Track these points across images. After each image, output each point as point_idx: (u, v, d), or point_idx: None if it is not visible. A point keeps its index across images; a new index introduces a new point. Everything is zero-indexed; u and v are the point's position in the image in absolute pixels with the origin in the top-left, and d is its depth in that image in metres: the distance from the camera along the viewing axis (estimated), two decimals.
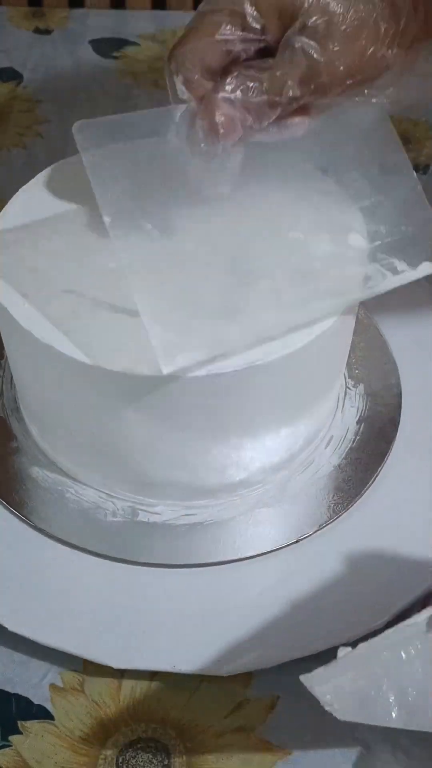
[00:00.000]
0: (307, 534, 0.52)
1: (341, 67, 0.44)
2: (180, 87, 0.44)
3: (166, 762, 0.45)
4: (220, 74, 0.44)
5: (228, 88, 0.43)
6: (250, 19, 0.43)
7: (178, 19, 0.97)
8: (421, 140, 0.82)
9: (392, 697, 0.40)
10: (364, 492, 0.54)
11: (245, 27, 0.43)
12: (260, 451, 0.51)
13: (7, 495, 0.53)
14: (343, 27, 0.43)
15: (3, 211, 0.52)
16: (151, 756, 0.45)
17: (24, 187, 0.54)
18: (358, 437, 0.56)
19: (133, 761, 0.45)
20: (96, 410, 0.48)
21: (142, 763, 0.45)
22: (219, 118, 0.44)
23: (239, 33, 0.44)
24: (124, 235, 0.45)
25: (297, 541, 0.52)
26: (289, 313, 0.46)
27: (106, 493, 0.53)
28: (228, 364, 0.45)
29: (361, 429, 0.57)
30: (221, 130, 0.44)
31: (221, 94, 0.43)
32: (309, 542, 0.52)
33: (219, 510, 0.53)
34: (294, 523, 0.52)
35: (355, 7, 0.43)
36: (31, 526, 0.52)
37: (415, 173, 0.51)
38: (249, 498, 0.53)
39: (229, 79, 0.43)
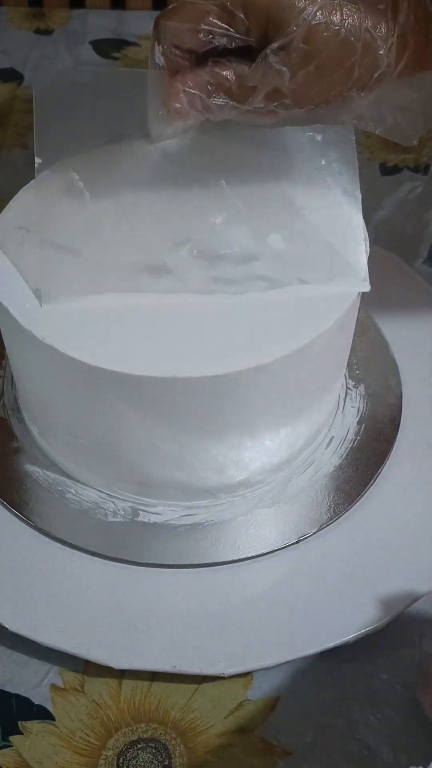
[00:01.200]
0: (308, 534, 0.52)
1: (307, 95, 0.45)
2: (158, 55, 0.45)
3: (166, 762, 0.45)
4: (199, 54, 0.45)
5: (197, 80, 0.45)
6: (237, 20, 0.44)
7: None
8: (421, 140, 0.82)
9: None
10: (365, 492, 0.54)
11: (231, 24, 0.44)
12: (260, 452, 0.51)
13: (7, 495, 0.53)
14: (319, 61, 0.43)
15: (3, 211, 0.52)
16: (151, 756, 0.45)
17: (24, 187, 0.54)
18: (358, 438, 0.56)
19: (134, 761, 0.45)
20: (96, 410, 0.48)
21: (142, 764, 0.45)
22: (174, 105, 0.45)
23: (224, 28, 0.44)
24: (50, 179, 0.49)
25: (297, 542, 0.52)
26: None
27: (107, 494, 0.53)
28: (227, 365, 0.45)
29: (362, 429, 0.57)
30: (173, 116, 0.46)
31: (186, 88, 0.45)
32: (309, 543, 0.52)
33: (219, 510, 0.53)
34: (294, 523, 0.52)
35: (337, 46, 0.43)
36: (31, 526, 0.52)
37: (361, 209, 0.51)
38: (249, 498, 0.53)
39: (197, 75, 0.45)
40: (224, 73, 0.45)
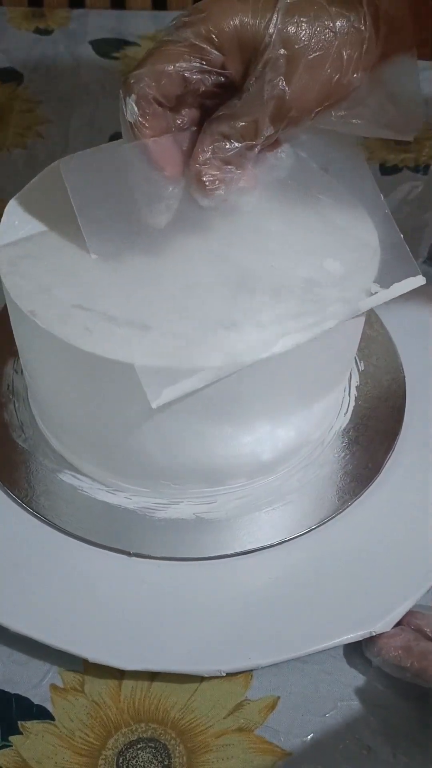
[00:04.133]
0: (311, 528, 0.52)
1: (309, 99, 0.44)
2: (132, 107, 0.44)
3: (166, 762, 0.45)
4: (174, 102, 0.45)
5: (205, 147, 0.44)
6: (210, 55, 0.43)
7: None
8: (421, 140, 0.82)
9: None
10: (371, 485, 0.54)
11: (204, 61, 0.43)
12: (268, 443, 0.51)
13: (12, 488, 0.53)
14: (306, 59, 0.43)
15: (5, 211, 0.52)
16: (151, 756, 0.45)
17: (25, 187, 0.53)
18: (364, 429, 0.56)
19: (134, 761, 0.45)
20: (110, 403, 0.48)
21: (142, 764, 0.45)
22: (204, 183, 0.45)
23: (198, 66, 0.43)
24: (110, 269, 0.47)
25: (302, 535, 0.51)
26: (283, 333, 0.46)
27: (113, 488, 0.53)
28: (242, 354, 0.45)
29: (368, 421, 0.57)
30: (210, 190, 0.45)
31: (201, 156, 0.44)
32: (314, 536, 0.52)
33: (224, 503, 0.53)
34: (299, 516, 0.52)
35: (317, 37, 0.43)
36: (33, 514, 0.52)
37: (383, 200, 0.52)
38: (255, 491, 0.53)
39: (204, 138, 0.44)
40: (224, 123, 0.44)
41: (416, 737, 0.46)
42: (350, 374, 0.59)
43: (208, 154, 0.44)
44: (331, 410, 0.55)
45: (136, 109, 0.44)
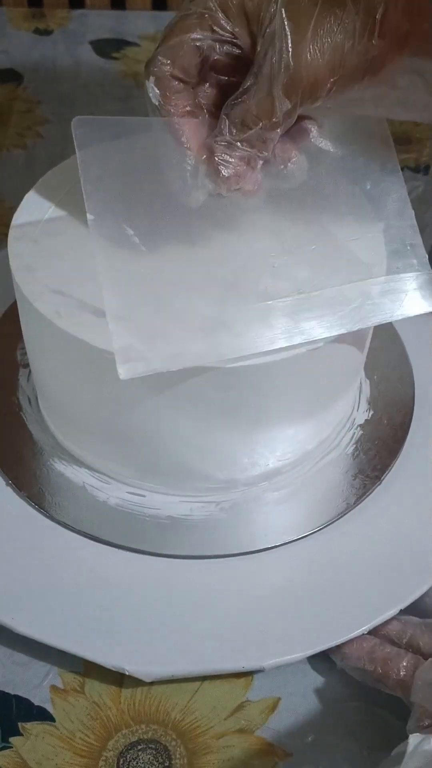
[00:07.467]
0: (306, 534, 0.52)
1: (320, 67, 0.41)
2: (153, 89, 0.43)
3: (167, 763, 0.45)
4: (196, 78, 0.44)
5: (223, 131, 0.43)
6: (218, 24, 0.42)
7: None
8: (421, 140, 0.82)
9: None
10: (378, 485, 0.54)
11: (213, 30, 0.43)
12: (278, 445, 0.51)
13: (20, 484, 0.53)
14: (313, 25, 0.41)
15: (24, 199, 0.52)
16: (151, 757, 0.45)
17: (43, 176, 0.53)
18: (373, 430, 0.56)
19: (134, 763, 0.45)
20: (120, 403, 0.48)
21: (142, 765, 0.45)
22: (226, 172, 0.44)
23: (209, 35, 0.43)
24: (105, 236, 0.46)
25: (299, 539, 0.51)
26: (276, 333, 0.45)
27: (117, 482, 0.53)
28: (251, 357, 0.45)
29: (377, 422, 0.57)
30: (233, 183, 0.44)
31: (218, 141, 0.43)
32: (311, 541, 0.52)
33: (221, 503, 0.53)
34: (297, 520, 0.52)
35: (323, 3, 0.41)
36: (32, 505, 0.52)
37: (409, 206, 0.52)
38: (254, 494, 0.53)
39: (219, 124, 0.43)
40: (237, 105, 0.42)
41: None
42: (360, 384, 0.59)
43: (225, 138, 0.43)
44: (336, 419, 0.55)
45: (156, 90, 0.43)
